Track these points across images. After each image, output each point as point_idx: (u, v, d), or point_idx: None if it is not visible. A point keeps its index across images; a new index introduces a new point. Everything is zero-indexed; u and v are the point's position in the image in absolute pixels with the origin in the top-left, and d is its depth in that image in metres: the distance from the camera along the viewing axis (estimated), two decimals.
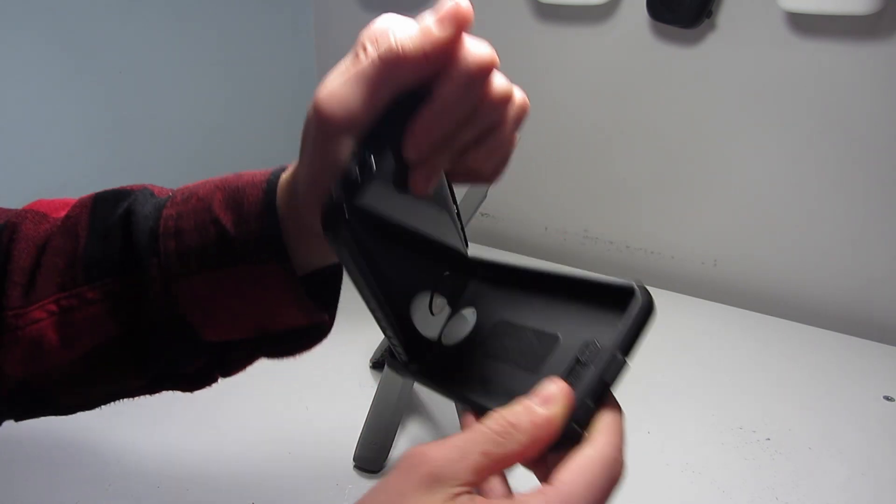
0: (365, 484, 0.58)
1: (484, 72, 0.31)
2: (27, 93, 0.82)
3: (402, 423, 0.64)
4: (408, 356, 0.35)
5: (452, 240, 0.37)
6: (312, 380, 0.72)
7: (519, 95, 0.35)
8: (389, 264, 0.32)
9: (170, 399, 0.68)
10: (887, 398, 0.72)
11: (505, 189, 0.90)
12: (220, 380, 0.40)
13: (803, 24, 0.81)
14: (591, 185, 1.02)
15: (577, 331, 0.33)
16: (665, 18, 0.86)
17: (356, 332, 0.79)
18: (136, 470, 0.59)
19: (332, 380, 0.72)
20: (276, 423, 0.65)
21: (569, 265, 1.02)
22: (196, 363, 0.38)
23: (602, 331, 0.32)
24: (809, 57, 0.81)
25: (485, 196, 0.61)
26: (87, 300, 0.36)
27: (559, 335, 0.33)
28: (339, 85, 0.31)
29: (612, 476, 0.28)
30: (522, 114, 0.35)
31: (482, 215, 1.11)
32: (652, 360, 0.78)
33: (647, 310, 0.33)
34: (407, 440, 0.64)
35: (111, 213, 0.37)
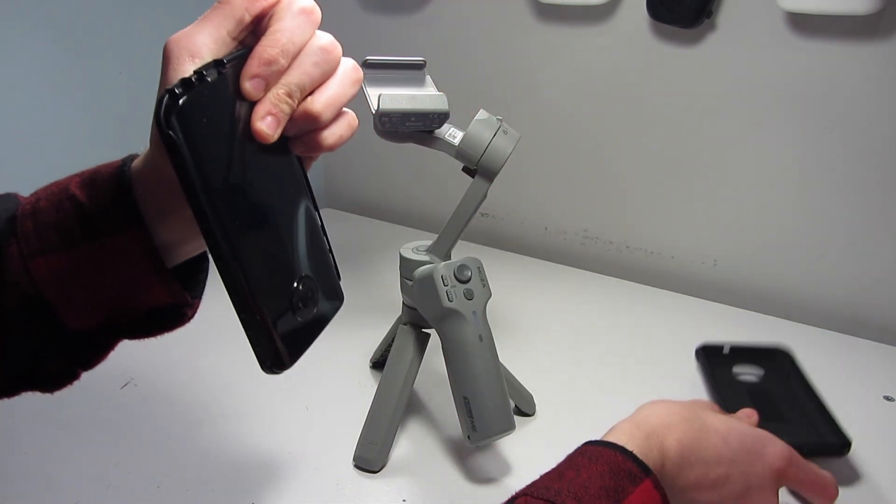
0: (365, 484, 0.58)
1: (305, 13, 0.35)
2: (27, 93, 0.82)
3: (402, 423, 0.64)
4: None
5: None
6: (312, 380, 0.72)
7: (347, 59, 0.37)
8: (217, 177, 0.32)
9: (170, 399, 0.68)
10: (887, 398, 0.72)
11: (505, 189, 0.91)
12: (81, 375, 0.39)
13: (803, 24, 0.81)
14: (591, 185, 1.02)
15: None
16: (665, 18, 0.86)
17: (356, 332, 0.79)
18: (136, 470, 0.59)
19: (332, 380, 0.72)
20: (276, 423, 0.65)
21: (569, 265, 1.02)
22: (57, 358, 0.37)
23: None
24: (809, 57, 0.81)
25: (485, 196, 0.61)
26: None
27: None
28: (188, 27, 0.38)
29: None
30: (355, 75, 0.37)
31: (482, 215, 1.11)
32: (652, 359, 0.78)
33: None
34: (407, 440, 0.64)
35: None
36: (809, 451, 0.57)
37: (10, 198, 0.38)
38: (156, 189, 0.35)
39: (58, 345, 0.36)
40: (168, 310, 0.37)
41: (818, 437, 0.61)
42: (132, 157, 0.37)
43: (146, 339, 0.38)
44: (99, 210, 0.34)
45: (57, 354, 0.37)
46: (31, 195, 0.37)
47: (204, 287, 0.40)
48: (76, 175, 0.37)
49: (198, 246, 0.38)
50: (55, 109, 0.85)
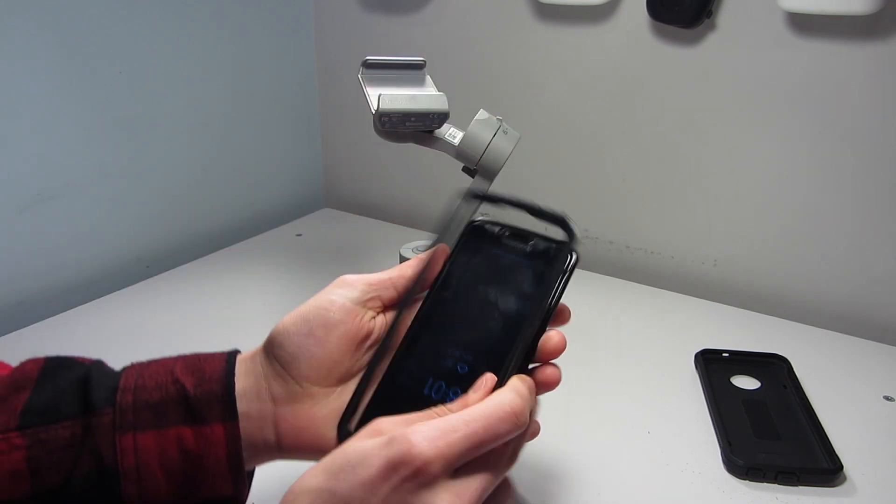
0: None
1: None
2: (27, 93, 0.82)
3: None
4: None
5: None
6: None
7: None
8: None
9: None
10: (887, 398, 0.72)
11: (505, 189, 0.90)
12: None
13: (803, 24, 0.81)
14: (591, 185, 1.02)
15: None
16: (665, 18, 0.86)
17: None
18: None
19: None
20: None
21: None
22: None
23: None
24: (809, 57, 0.81)
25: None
26: (13, 445, 0.34)
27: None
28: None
29: (506, 427, 0.33)
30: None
31: (482, 215, 1.11)
32: (652, 359, 0.78)
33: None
34: None
35: (66, 373, 0.37)
36: (801, 474, 0.57)
37: (103, 366, 0.39)
38: (255, 394, 0.37)
39: None
40: (223, 501, 0.38)
41: (811, 461, 0.60)
42: (236, 352, 0.39)
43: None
44: (202, 398, 0.36)
45: None
46: (130, 367, 0.38)
47: (251, 481, 0.41)
48: (180, 359, 0.38)
49: (270, 457, 0.39)
50: (55, 109, 0.85)
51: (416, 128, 0.60)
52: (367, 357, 0.38)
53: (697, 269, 0.97)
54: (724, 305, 0.91)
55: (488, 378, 0.35)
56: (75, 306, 0.86)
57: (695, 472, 0.60)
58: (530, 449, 0.63)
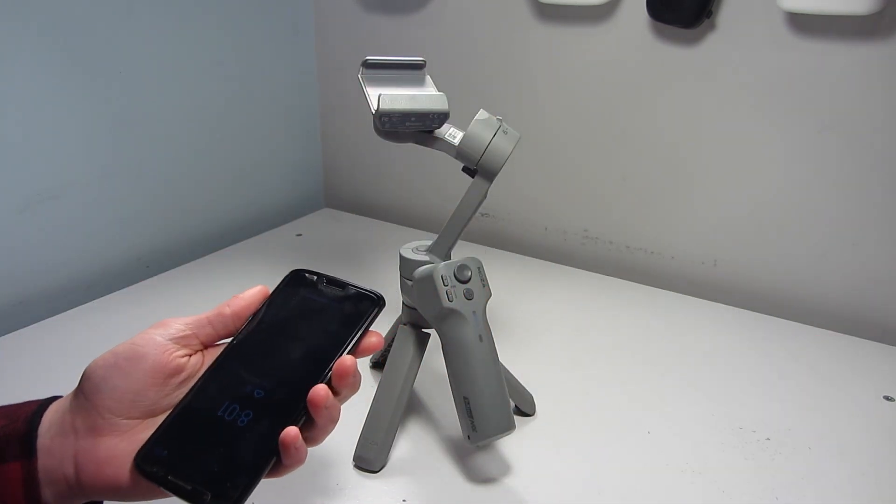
0: (365, 484, 0.58)
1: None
2: (27, 93, 0.82)
3: (402, 424, 0.64)
4: None
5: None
6: None
7: None
8: None
9: None
10: (887, 398, 0.72)
11: (505, 189, 0.91)
12: None
13: (803, 24, 0.81)
14: (591, 185, 1.02)
15: None
16: (665, 18, 0.86)
17: None
18: None
19: None
20: None
21: (569, 265, 1.02)
22: None
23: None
24: (809, 57, 0.81)
25: (485, 196, 0.61)
26: None
27: None
28: None
29: None
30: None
31: (482, 215, 1.11)
32: (652, 360, 0.78)
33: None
34: (407, 440, 0.64)
35: None
36: None
37: None
38: (58, 428, 0.37)
39: None
40: None
41: None
42: (59, 396, 0.39)
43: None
44: (4, 438, 0.36)
45: None
46: None
47: None
48: (8, 406, 0.39)
49: (73, 499, 0.38)
50: (55, 109, 0.85)
51: (416, 128, 0.60)
52: (177, 393, 0.38)
53: (697, 269, 0.97)
54: (724, 305, 0.91)
55: None
56: (75, 306, 0.86)
57: (695, 472, 0.60)
58: (531, 449, 0.63)
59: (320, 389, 0.37)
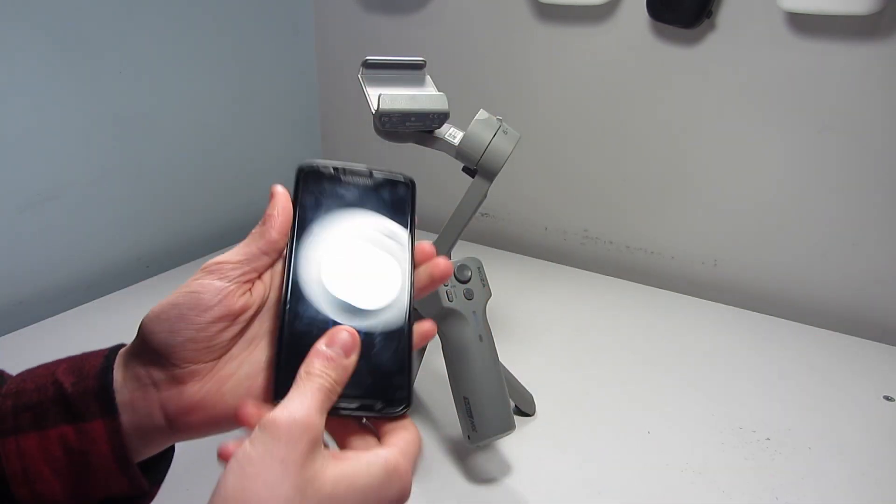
0: None
1: None
2: (27, 93, 0.82)
3: None
4: None
5: None
6: None
7: None
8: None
9: None
10: (887, 398, 0.72)
11: (505, 189, 0.91)
12: None
13: (803, 24, 0.81)
14: (591, 185, 1.02)
15: None
16: (665, 18, 0.86)
17: None
18: None
19: None
20: None
21: (569, 265, 1.02)
22: None
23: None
24: (809, 57, 0.81)
25: (485, 196, 0.61)
26: None
27: None
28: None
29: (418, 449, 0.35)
30: None
31: (482, 215, 1.11)
32: (652, 360, 0.78)
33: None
34: None
35: None
36: None
37: (1, 374, 0.39)
38: (136, 383, 0.36)
39: None
40: (124, 499, 0.37)
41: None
42: (120, 346, 0.38)
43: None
44: (79, 397, 0.35)
45: None
46: (22, 373, 0.38)
47: (165, 475, 0.41)
48: (66, 360, 0.38)
49: (157, 438, 0.38)
50: (55, 109, 0.85)
51: (416, 128, 0.60)
52: (253, 326, 0.38)
53: (697, 269, 0.97)
54: (724, 305, 0.91)
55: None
56: (75, 306, 0.86)
57: (695, 472, 0.60)
58: (531, 449, 0.63)
59: (424, 275, 0.39)
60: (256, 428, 0.31)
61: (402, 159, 1.17)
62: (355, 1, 1.11)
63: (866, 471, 0.61)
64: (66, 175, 0.88)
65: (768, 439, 0.65)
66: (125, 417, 0.36)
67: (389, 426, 0.35)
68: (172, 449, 0.41)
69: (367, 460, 0.32)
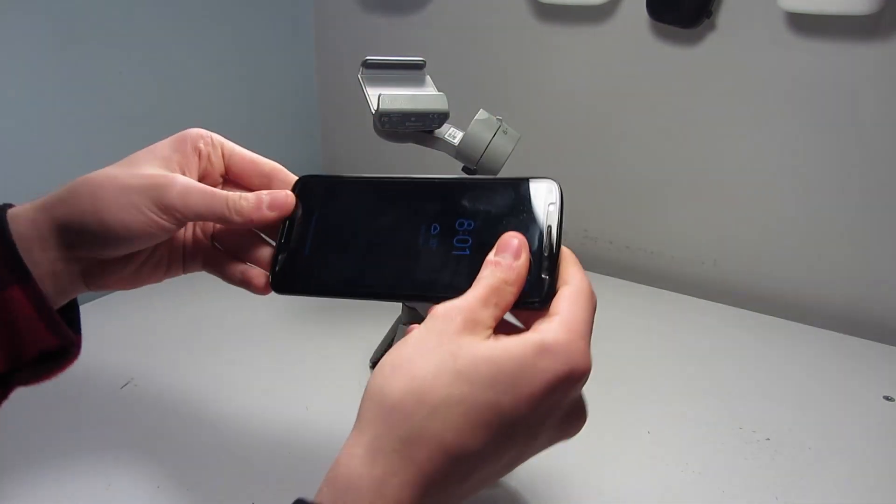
0: None
1: None
2: (26, 93, 0.82)
3: None
4: None
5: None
6: (312, 380, 0.72)
7: None
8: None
9: (170, 399, 0.68)
10: (887, 398, 0.72)
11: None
12: None
13: (803, 24, 0.81)
14: (590, 184, 1.02)
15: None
16: (665, 18, 0.86)
17: (356, 332, 0.79)
18: (135, 470, 0.59)
19: (332, 380, 0.72)
20: (277, 423, 0.65)
21: None
22: None
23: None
24: (809, 57, 0.81)
25: None
26: None
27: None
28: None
29: (593, 301, 0.35)
30: None
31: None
32: (652, 359, 0.78)
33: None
34: None
35: None
36: None
37: None
38: (46, 241, 0.37)
39: None
40: (56, 352, 0.38)
41: None
42: (6, 206, 0.39)
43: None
44: None
45: None
46: None
47: (80, 322, 0.42)
48: None
49: (70, 292, 0.39)
50: (55, 108, 0.85)
51: (416, 128, 0.60)
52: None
53: (697, 269, 0.97)
54: (724, 305, 0.91)
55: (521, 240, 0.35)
56: None
57: (695, 472, 0.60)
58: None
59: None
60: (426, 319, 0.33)
61: (402, 159, 1.17)
62: (355, 1, 1.11)
63: (866, 471, 0.61)
64: (66, 175, 0.87)
65: (768, 439, 0.65)
66: (42, 279, 0.36)
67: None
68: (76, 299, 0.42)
69: (522, 338, 0.31)
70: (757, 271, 0.93)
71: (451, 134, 0.61)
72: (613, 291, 0.95)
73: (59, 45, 0.83)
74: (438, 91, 0.61)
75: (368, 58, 0.60)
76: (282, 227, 0.42)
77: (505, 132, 0.60)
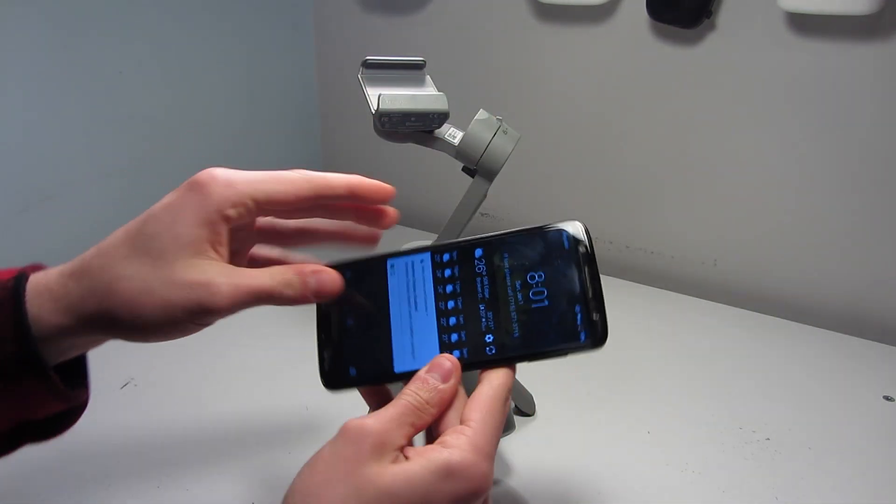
0: None
1: None
2: (27, 93, 0.82)
3: None
4: None
5: None
6: (312, 380, 0.72)
7: None
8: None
9: (170, 399, 0.68)
10: (887, 398, 0.72)
11: (505, 189, 0.91)
12: None
13: (803, 24, 0.81)
14: (590, 185, 1.02)
15: None
16: (665, 18, 0.86)
17: None
18: (136, 470, 0.59)
19: None
20: (277, 424, 0.65)
21: None
22: None
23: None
24: (809, 57, 0.81)
25: (484, 196, 0.61)
26: None
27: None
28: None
29: (507, 404, 0.35)
30: None
31: (482, 215, 1.11)
32: (652, 360, 0.78)
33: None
34: None
35: None
36: None
37: None
38: (73, 315, 0.34)
39: None
40: (64, 413, 0.38)
41: None
42: (24, 279, 0.35)
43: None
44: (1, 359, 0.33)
45: None
46: None
47: (87, 371, 0.39)
48: None
49: (90, 347, 0.38)
50: (55, 108, 0.85)
51: (416, 128, 0.60)
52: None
53: (697, 269, 0.97)
54: (724, 305, 0.91)
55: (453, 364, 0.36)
56: None
57: (695, 472, 0.60)
58: (531, 449, 0.63)
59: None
60: (337, 433, 0.33)
61: (402, 159, 1.17)
62: (355, 1, 1.11)
63: (866, 471, 0.61)
64: (66, 175, 0.88)
65: (768, 439, 0.65)
66: (53, 341, 0.34)
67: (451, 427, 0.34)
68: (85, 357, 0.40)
69: (427, 459, 0.32)
70: (757, 271, 0.93)
71: (451, 134, 0.61)
72: (613, 291, 0.95)
73: (60, 44, 0.83)
74: (438, 91, 0.61)
75: (368, 58, 0.60)
76: (319, 316, 0.39)
77: (505, 132, 0.60)
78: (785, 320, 0.88)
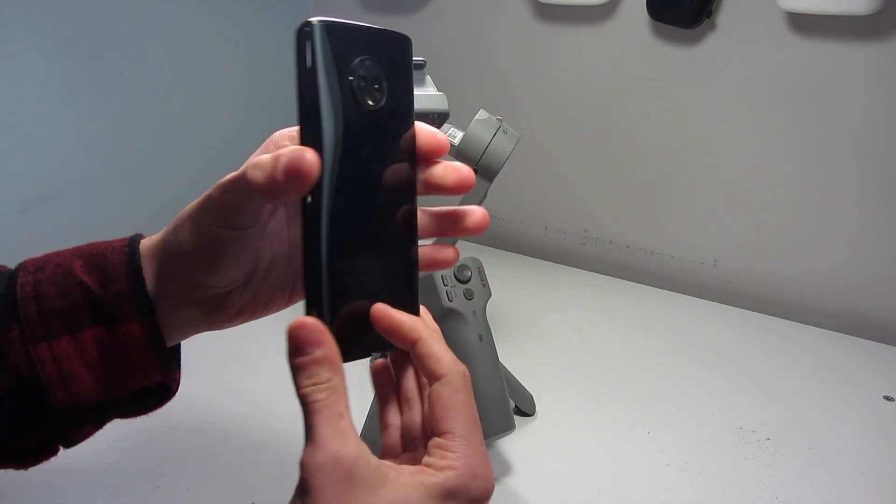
0: None
1: None
2: (27, 93, 0.82)
3: None
4: None
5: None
6: None
7: None
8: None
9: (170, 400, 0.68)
10: (887, 398, 0.72)
11: (505, 189, 0.91)
12: (60, 451, 0.39)
13: (803, 24, 0.81)
14: (591, 185, 1.02)
15: None
16: (665, 18, 0.86)
17: None
18: (136, 470, 0.59)
19: None
20: (277, 424, 0.65)
21: (569, 265, 1.02)
22: (38, 436, 0.37)
23: None
24: (809, 57, 0.81)
25: (485, 196, 0.61)
26: None
27: None
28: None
29: (469, 394, 0.33)
30: None
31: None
32: (652, 360, 0.78)
33: None
34: None
35: None
36: None
37: (2, 275, 0.37)
38: (167, 275, 0.36)
39: (41, 423, 0.36)
40: (157, 388, 0.38)
41: None
42: (138, 238, 0.38)
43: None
44: (112, 300, 0.35)
45: (39, 432, 0.36)
46: (23, 273, 0.36)
47: (181, 360, 0.41)
48: (75, 255, 0.37)
49: (190, 330, 0.38)
50: (55, 109, 0.85)
51: None
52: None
53: (697, 269, 0.97)
54: (724, 305, 0.91)
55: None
56: None
57: (695, 472, 0.60)
58: (531, 450, 0.63)
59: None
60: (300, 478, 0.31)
61: None
62: (355, 1, 1.11)
63: (866, 471, 0.61)
64: (66, 175, 0.88)
65: (768, 439, 0.65)
66: (163, 317, 0.36)
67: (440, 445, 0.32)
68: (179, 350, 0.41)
69: (422, 489, 0.30)
70: (757, 271, 0.93)
71: (452, 134, 0.61)
72: (613, 291, 0.95)
73: (60, 46, 0.83)
74: (438, 91, 0.61)
75: None
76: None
77: (505, 132, 0.60)
78: (785, 320, 0.88)
